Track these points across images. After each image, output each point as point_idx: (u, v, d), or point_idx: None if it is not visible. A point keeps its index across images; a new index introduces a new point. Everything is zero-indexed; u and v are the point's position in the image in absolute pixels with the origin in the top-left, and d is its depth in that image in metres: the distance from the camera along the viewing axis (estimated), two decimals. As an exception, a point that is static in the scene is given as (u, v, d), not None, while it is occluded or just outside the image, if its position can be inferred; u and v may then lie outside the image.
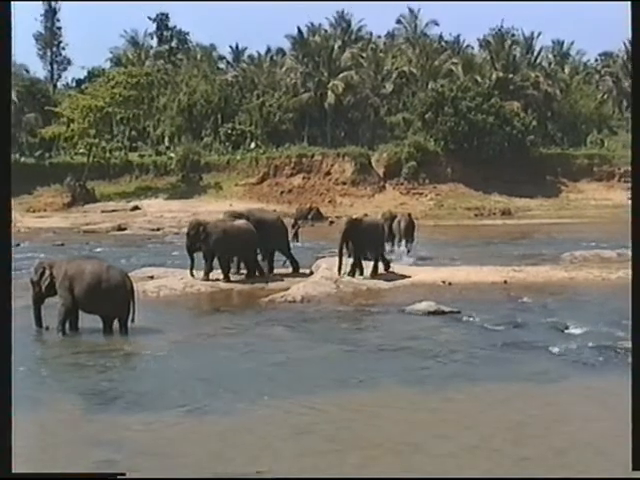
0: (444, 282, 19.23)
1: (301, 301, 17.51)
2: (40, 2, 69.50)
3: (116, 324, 14.17)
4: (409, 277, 19.90)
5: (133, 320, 14.01)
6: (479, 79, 60.58)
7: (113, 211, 49.38)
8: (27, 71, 65.55)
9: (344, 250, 19.83)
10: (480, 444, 8.77)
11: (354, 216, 21.54)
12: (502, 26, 64.90)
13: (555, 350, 12.62)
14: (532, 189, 53.74)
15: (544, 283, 19.33)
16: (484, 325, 14.72)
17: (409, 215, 25.36)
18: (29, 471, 7.30)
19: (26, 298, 14.34)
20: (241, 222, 20.15)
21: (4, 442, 5.03)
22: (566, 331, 14.02)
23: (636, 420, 5.10)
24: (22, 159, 57.13)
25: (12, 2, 5.08)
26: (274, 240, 20.70)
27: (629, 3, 5.23)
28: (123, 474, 5.55)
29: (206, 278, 19.48)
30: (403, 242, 24.27)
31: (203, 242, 19.48)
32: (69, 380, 11.72)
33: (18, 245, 31.02)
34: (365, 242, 19.93)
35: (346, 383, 11.20)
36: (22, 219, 45.84)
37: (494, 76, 60.86)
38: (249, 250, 19.94)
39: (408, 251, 24.04)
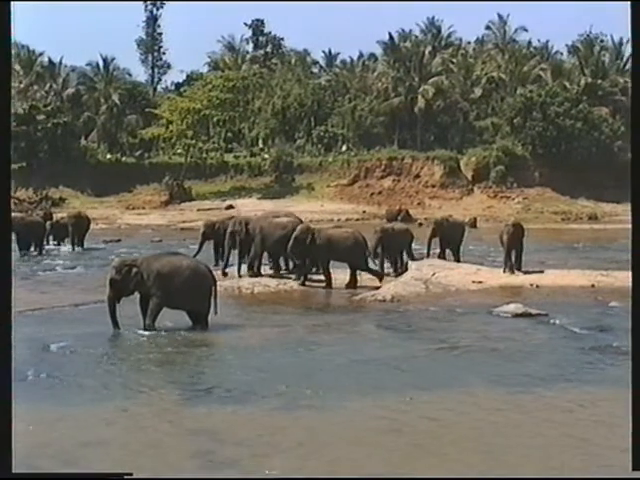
0: (532, 285, 19.31)
1: (391, 300, 17.65)
2: (142, 10, 71.54)
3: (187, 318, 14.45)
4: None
5: (216, 313, 14.20)
6: (568, 85, 59.77)
7: (208, 209, 49.31)
8: (129, 75, 67.37)
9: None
10: (567, 446, 8.81)
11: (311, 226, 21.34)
12: (591, 32, 64.24)
13: (642, 355, 12.92)
14: (619, 194, 52.19)
15: (632, 288, 19.33)
16: (571, 328, 14.75)
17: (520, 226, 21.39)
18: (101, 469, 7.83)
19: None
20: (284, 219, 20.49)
21: (4, 442, 4.92)
22: (654, 336, 14.26)
23: (636, 420, 5.06)
24: (123, 159, 58.63)
25: (12, 2, 5.03)
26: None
27: (629, 3, 5.18)
28: (130, 474, 5.39)
29: (253, 273, 20.12)
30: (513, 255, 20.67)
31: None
32: (166, 374, 12.03)
33: (119, 241, 32.34)
34: (325, 253, 19.40)
35: (434, 382, 11.27)
36: (122, 216, 47.15)
37: (583, 82, 60.11)
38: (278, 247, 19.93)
39: (511, 265, 20.65)
